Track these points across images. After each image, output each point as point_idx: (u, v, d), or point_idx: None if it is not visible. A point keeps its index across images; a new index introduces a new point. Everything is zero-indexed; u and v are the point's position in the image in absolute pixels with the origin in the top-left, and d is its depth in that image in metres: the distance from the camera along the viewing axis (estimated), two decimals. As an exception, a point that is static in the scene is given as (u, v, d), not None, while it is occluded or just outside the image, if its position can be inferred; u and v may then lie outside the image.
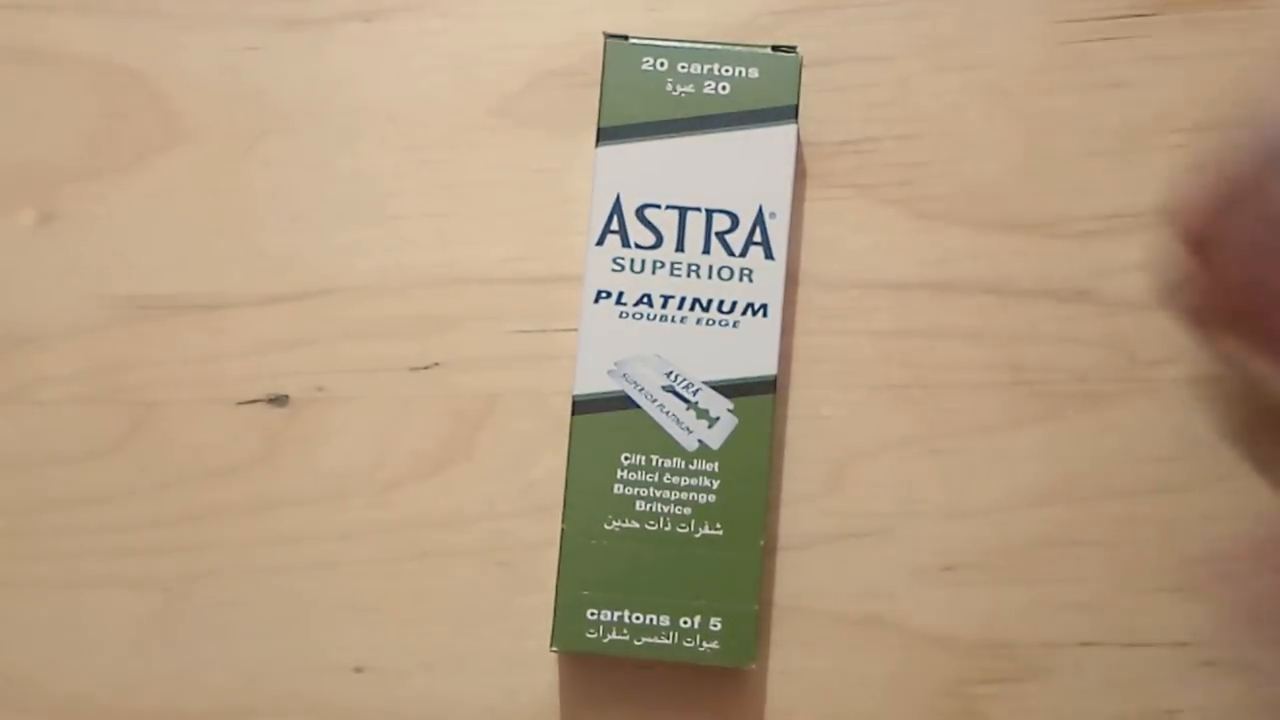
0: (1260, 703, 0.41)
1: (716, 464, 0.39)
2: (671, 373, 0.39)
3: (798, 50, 0.39)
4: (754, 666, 0.38)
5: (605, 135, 0.40)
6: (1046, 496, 0.42)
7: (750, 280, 0.39)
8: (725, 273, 0.39)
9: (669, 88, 0.39)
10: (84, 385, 0.43)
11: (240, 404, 0.43)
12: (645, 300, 0.39)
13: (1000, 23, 0.44)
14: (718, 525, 0.39)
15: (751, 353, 0.39)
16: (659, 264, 0.39)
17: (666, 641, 0.38)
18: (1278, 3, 0.43)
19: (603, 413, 0.39)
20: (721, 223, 0.39)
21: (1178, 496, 0.42)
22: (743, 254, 0.39)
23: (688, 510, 0.39)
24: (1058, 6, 0.43)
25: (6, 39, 0.44)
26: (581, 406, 0.39)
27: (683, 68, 0.40)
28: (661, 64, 0.40)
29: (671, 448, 0.39)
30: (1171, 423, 0.42)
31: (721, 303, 0.39)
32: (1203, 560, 0.41)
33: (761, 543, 0.39)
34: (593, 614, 0.38)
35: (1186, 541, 0.41)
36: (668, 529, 0.39)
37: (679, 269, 0.39)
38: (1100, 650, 0.41)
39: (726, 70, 0.39)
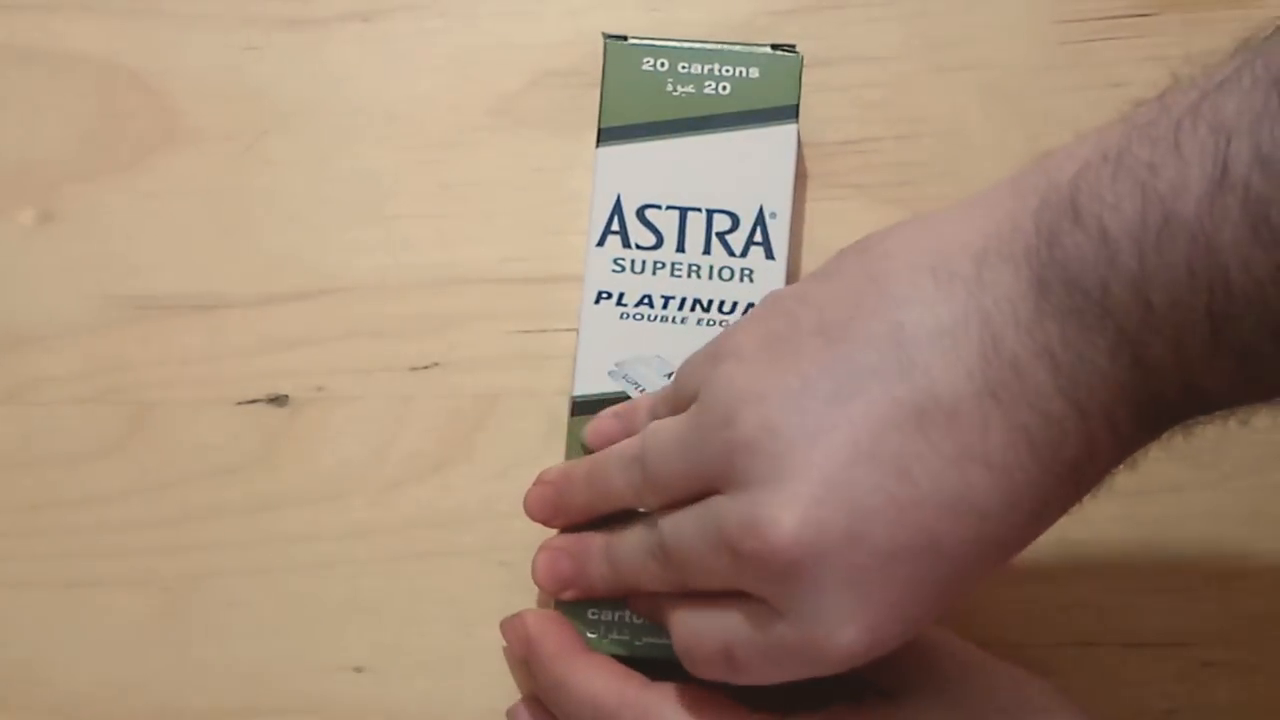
0: (1260, 703, 0.41)
1: (717, 464, 0.39)
2: (672, 374, 0.39)
3: (798, 50, 0.39)
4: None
5: (606, 136, 0.39)
6: (1046, 496, 0.42)
7: (751, 281, 0.39)
8: (726, 273, 0.39)
9: (669, 88, 0.39)
10: (84, 385, 0.43)
11: (240, 404, 0.43)
12: (646, 301, 0.39)
13: (1000, 23, 0.43)
14: (718, 525, 0.39)
15: (752, 353, 0.39)
16: (659, 265, 0.39)
17: (666, 642, 0.38)
18: (1278, 3, 0.43)
19: (603, 413, 0.39)
20: (722, 223, 0.39)
21: (1178, 496, 0.42)
22: (743, 254, 0.39)
23: (688, 510, 0.39)
24: (1058, 6, 0.43)
25: (6, 39, 0.44)
26: (581, 407, 0.39)
27: (683, 68, 0.39)
28: (662, 64, 0.40)
29: (672, 448, 0.39)
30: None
31: (722, 303, 0.39)
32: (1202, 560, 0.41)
33: (762, 543, 0.38)
34: (593, 614, 0.38)
35: (1186, 541, 0.41)
36: (668, 529, 0.39)
37: (679, 270, 0.39)
38: (1100, 650, 0.41)
39: (727, 70, 0.39)
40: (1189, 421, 0.30)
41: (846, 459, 0.29)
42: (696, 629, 0.33)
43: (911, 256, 0.31)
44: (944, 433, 0.29)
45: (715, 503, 0.32)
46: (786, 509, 0.29)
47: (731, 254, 0.39)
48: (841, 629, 0.30)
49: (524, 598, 0.41)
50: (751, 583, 0.31)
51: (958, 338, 0.29)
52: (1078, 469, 0.29)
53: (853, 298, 0.31)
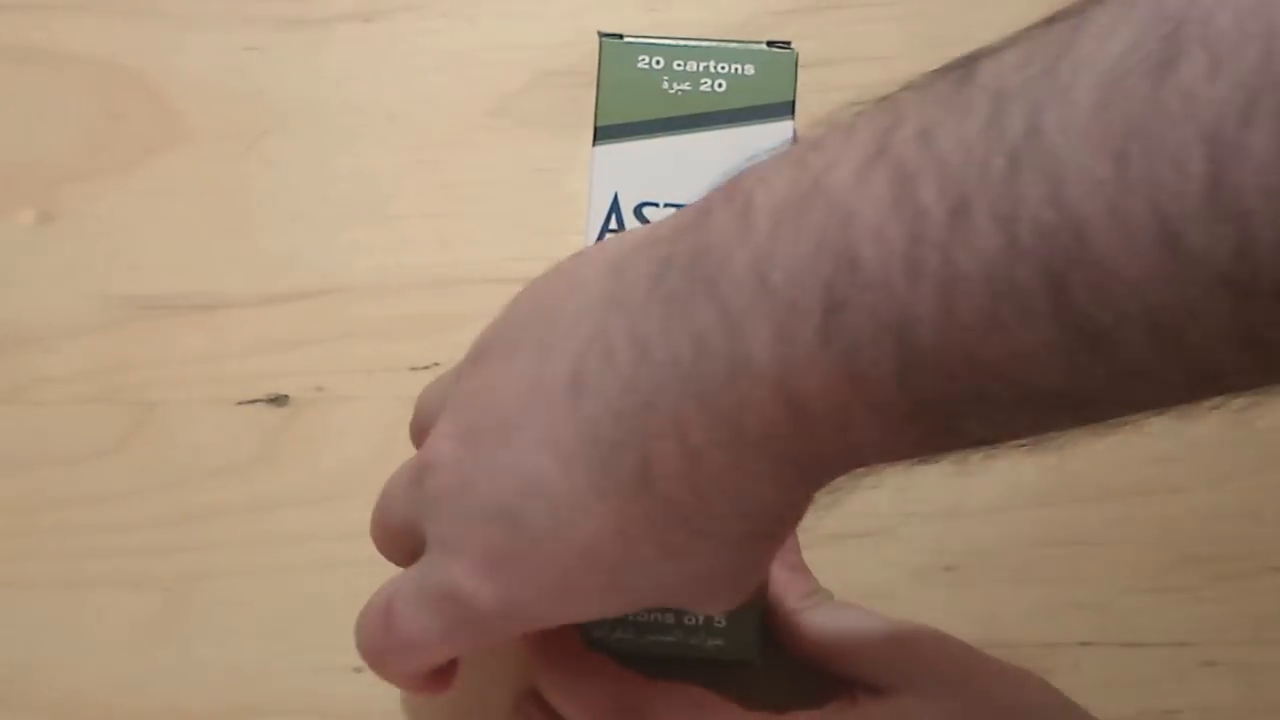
0: (1260, 703, 0.41)
1: (715, 463, 0.39)
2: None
3: (793, 46, 0.39)
4: (758, 663, 0.38)
5: (602, 134, 0.39)
6: (1046, 496, 0.41)
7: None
8: (722, 271, 0.39)
9: (665, 86, 0.39)
10: (84, 385, 0.43)
11: (240, 404, 0.43)
12: (642, 299, 0.39)
13: (1000, 23, 0.43)
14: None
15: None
16: (656, 262, 0.39)
17: (671, 639, 0.38)
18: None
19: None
20: (719, 221, 0.39)
21: (1178, 496, 0.41)
22: (740, 252, 0.39)
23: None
24: (1057, 7, 0.43)
25: (6, 39, 0.44)
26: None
27: (679, 65, 0.39)
28: (658, 62, 0.39)
29: (670, 447, 0.39)
30: (1171, 423, 0.42)
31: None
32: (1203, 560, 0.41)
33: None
34: (597, 613, 0.38)
35: (1186, 541, 0.41)
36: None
37: (676, 267, 0.39)
38: (1100, 650, 0.41)
39: (723, 68, 0.39)
40: (797, 457, 0.27)
41: (488, 404, 0.30)
42: (372, 599, 0.33)
43: (593, 265, 0.30)
44: (541, 413, 0.28)
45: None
46: (445, 436, 0.30)
47: (729, 252, 0.39)
48: (458, 560, 0.30)
49: (523, 597, 0.41)
50: (417, 512, 0.31)
51: (576, 328, 0.29)
52: (642, 480, 0.27)
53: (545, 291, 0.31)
